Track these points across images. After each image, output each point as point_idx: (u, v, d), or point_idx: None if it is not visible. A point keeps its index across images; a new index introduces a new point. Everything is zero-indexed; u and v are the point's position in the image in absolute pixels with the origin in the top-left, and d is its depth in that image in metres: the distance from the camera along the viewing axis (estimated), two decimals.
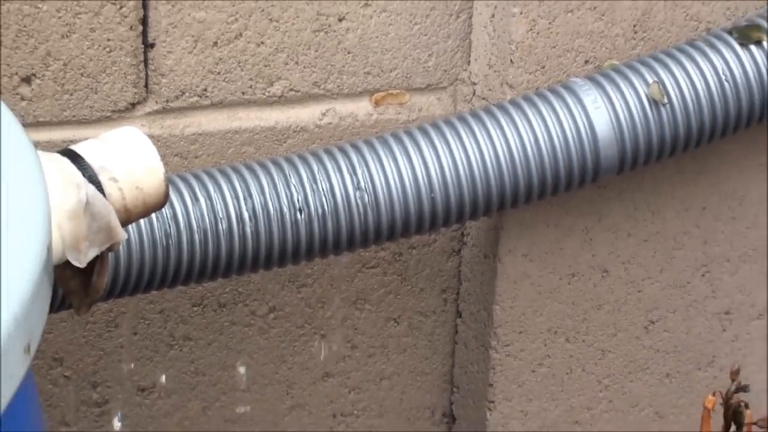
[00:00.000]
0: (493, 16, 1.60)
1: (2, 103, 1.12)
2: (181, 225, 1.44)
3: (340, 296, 1.72)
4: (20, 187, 1.02)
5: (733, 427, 1.41)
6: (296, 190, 1.49)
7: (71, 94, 1.52)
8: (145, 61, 1.55)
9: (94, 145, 1.12)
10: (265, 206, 1.47)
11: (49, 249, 1.00)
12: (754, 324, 1.80)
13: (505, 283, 1.68)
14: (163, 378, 1.70)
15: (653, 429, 1.80)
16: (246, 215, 1.47)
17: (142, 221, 1.42)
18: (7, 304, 0.93)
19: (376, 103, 1.65)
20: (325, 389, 1.73)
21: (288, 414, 1.74)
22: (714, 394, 1.38)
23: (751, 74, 1.54)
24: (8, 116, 1.10)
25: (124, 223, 1.12)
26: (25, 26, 1.48)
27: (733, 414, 1.36)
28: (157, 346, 1.66)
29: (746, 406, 1.37)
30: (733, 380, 1.34)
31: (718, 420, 1.39)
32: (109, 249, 1.11)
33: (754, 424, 1.34)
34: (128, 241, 1.43)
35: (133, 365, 1.66)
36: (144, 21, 1.53)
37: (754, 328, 1.81)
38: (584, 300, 1.72)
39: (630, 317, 1.74)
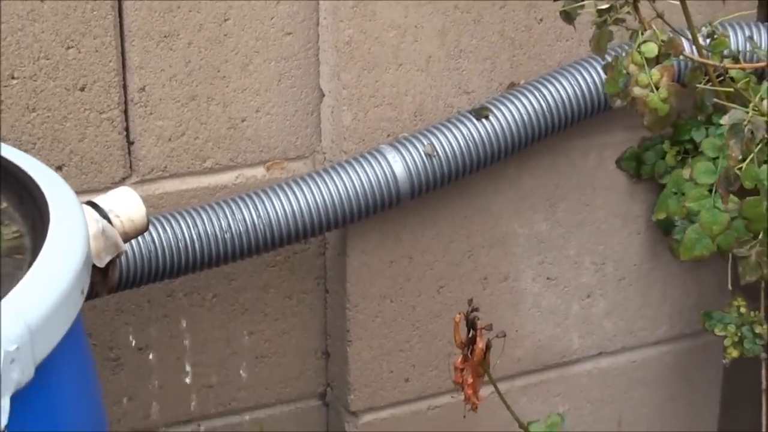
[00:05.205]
0: (332, 112, 1.74)
1: (63, 180, 1.28)
2: (157, 244, 1.60)
3: (255, 284, 1.81)
4: (74, 222, 1.20)
5: (471, 332, 1.49)
6: (224, 220, 1.63)
7: (86, 175, 1.66)
8: (129, 152, 1.68)
9: (105, 198, 1.31)
10: (205, 231, 1.62)
11: (88, 251, 1.17)
12: (501, 285, 1.92)
13: (352, 270, 1.80)
14: (150, 341, 1.79)
15: (449, 351, 1.77)
16: (195, 236, 1.62)
17: (134, 242, 1.56)
18: (72, 265, 1.12)
19: (267, 169, 1.76)
20: (249, 342, 1.83)
21: (227, 359, 1.83)
22: (460, 314, 1.47)
23: (483, 135, 1.74)
24: (66, 187, 1.27)
25: (125, 241, 1.28)
26: (56, 137, 1.62)
27: (471, 323, 1.48)
28: (147, 322, 1.76)
29: (477, 317, 1.47)
30: (469, 304, 1.48)
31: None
32: (117, 256, 1.27)
33: (483, 328, 1.48)
34: (127, 253, 1.56)
35: (133, 334, 1.77)
36: (127, 128, 1.67)
37: (502, 287, 1.92)
38: (399, 276, 1.84)
39: (427, 285, 1.86)
